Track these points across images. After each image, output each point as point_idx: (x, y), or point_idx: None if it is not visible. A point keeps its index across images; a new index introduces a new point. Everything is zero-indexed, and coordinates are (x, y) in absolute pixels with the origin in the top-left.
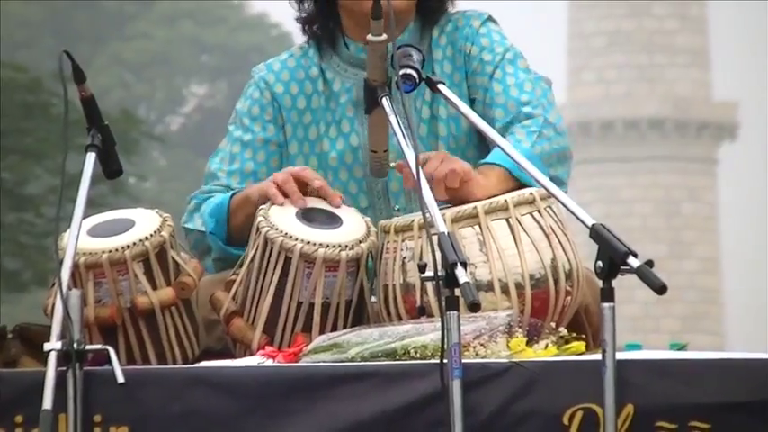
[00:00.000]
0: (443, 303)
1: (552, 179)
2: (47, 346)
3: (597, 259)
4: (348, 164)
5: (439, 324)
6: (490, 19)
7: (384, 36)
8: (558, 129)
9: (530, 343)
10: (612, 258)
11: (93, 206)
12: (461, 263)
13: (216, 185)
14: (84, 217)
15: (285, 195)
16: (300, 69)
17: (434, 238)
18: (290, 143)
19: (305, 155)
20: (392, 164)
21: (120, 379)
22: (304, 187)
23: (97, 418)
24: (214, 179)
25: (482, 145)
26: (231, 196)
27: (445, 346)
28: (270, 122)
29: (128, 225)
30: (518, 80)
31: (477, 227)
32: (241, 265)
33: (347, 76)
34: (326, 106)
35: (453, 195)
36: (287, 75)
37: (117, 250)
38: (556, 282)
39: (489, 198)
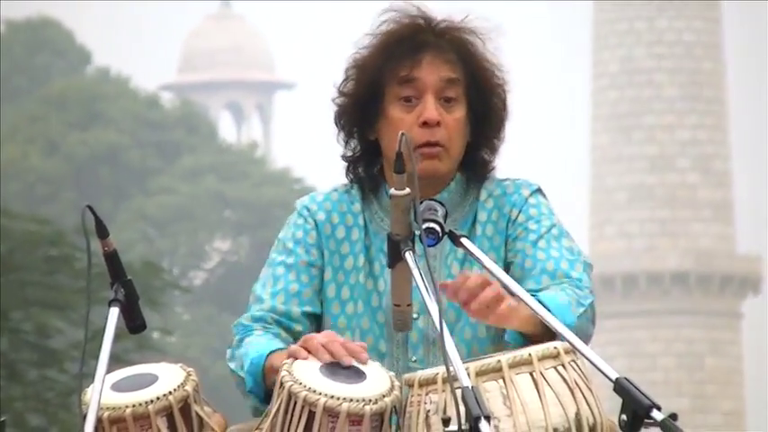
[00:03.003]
0: None
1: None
2: None
3: (621, 413)
4: (374, 307)
5: None
6: (540, 191)
7: (407, 190)
8: (591, 291)
9: None
10: (636, 412)
11: (116, 362)
12: (485, 417)
13: (259, 310)
14: (108, 372)
15: (308, 351)
16: (343, 203)
17: (458, 392)
18: (325, 269)
19: (338, 283)
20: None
21: None
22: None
23: None
24: (258, 302)
25: None
26: (267, 355)
27: None
28: (313, 246)
29: (151, 380)
30: (561, 254)
31: (500, 380)
32: (265, 420)
33: (381, 226)
34: (363, 242)
35: (486, 315)
36: (329, 205)
37: (140, 405)
38: None
39: (524, 317)
